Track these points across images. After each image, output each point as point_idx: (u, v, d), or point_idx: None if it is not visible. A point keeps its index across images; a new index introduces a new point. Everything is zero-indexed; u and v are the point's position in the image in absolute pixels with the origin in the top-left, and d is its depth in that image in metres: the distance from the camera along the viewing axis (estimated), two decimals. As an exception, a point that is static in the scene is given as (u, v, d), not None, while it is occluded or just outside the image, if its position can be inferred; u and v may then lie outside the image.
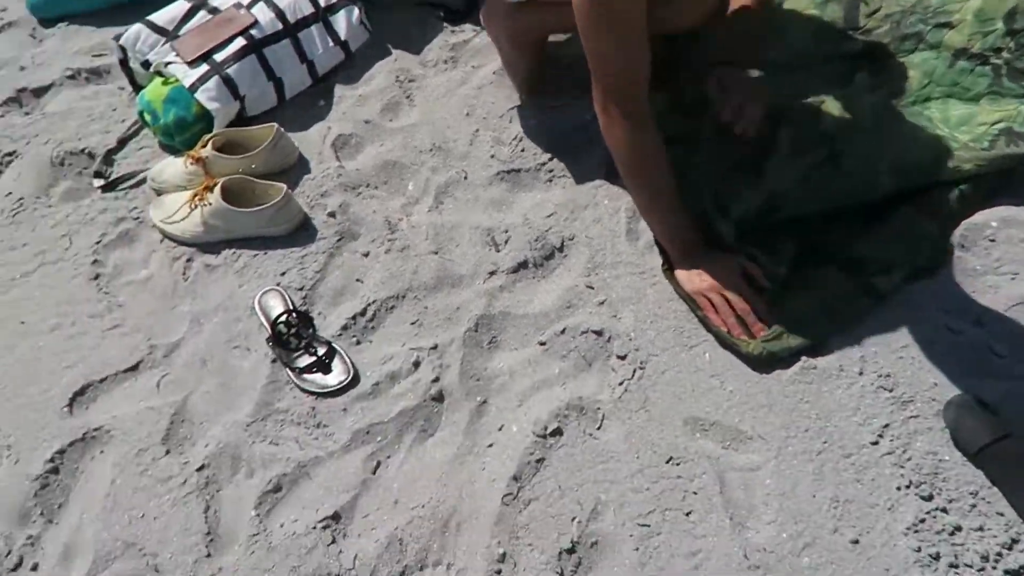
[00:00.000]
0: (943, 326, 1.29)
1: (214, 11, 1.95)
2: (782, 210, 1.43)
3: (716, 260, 1.37)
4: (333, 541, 1.21)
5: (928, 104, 1.53)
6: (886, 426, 1.20)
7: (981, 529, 1.09)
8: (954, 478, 1.13)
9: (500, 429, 1.31)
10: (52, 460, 1.35)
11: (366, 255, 1.59)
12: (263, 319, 1.49)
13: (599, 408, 1.30)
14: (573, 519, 1.19)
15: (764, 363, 1.29)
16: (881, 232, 1.40)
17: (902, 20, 1.64)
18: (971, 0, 1.58)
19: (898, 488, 1.14)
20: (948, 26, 1.58)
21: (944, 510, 1.11)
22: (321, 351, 1.41)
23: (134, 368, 1.47)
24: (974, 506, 1.11)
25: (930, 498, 1.12)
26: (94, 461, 1.36)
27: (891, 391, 1.23)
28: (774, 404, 1.26)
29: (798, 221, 1.43)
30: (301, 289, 1.54)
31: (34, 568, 1.25)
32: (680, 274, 1.40)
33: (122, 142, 1.91)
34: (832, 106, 1.55)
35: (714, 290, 1.34)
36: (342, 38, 1.99)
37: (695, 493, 1.19)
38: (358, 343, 1.46)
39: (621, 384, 1.33)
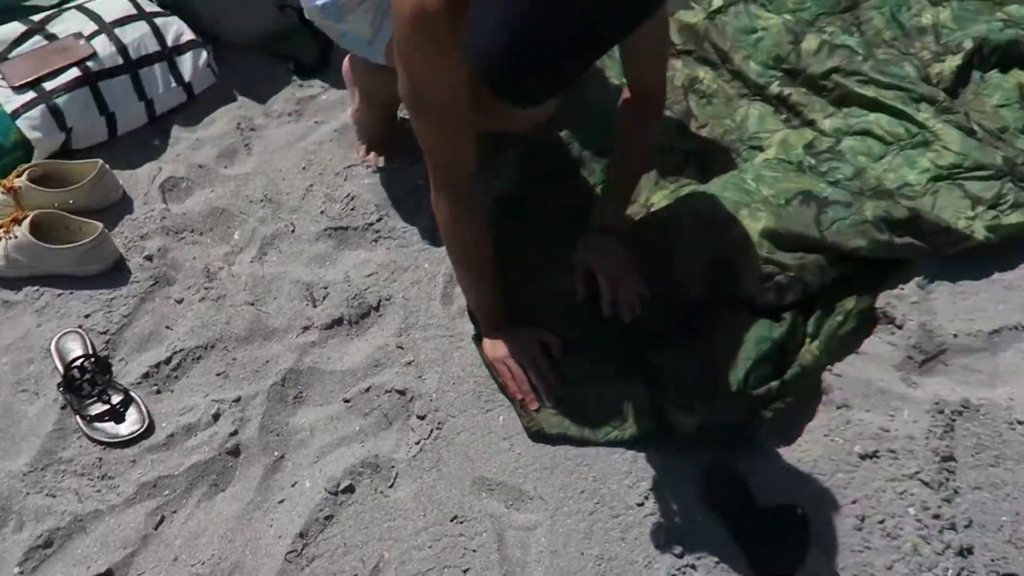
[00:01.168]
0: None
1: (51, 37, 1.90)
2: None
3: (519, 332, 1.46)
4: (104, 598, 1.19)
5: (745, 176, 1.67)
6: (652, 489, 1.30)
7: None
8: (705, 537, 1.25)
9: (293, 485, 1.33)
10: None
11: (179, 302, 1.58)
12: (58, 362, 1.44)
13: (394, 466, 1.35)
14: (354, 576, 1.22)
15: (535, 437, 1.38)
16: (693, 357, 1.43)
17: (723, 136, 1.83)
18: (778, 133, 1.80)
19: (656, 546, 1.24)
20: (759, 148, 1.79)
21: (693, 566, 1.22)
22: (116, 399, 1.39)
23: (-92, 408, 1.39)
24: (718, 562, 1.22)
25: (682, 555, 1.23)
26: None
27: (659, 458, 1.34)
28: (557, 466, 1.35)
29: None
30: (105, 333, 1.51)
31: None
32: (486, 342, 1.47)
33: (-71, 164, 1.81)
34: (657, 201, 1.67)
35: (511, 358, 1.42)
36: (186, 79, 1.99)
37: (475, 551, 1.25)
38: (158, 392, 1.44)
39: (418, 443, 1.38)
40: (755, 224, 1.55)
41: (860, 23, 2.18)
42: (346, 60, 1.79)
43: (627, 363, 1.44)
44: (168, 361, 1.47)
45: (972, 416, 1.41)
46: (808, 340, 1.50)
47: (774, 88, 1.89)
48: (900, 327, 1.54)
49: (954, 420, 1.41)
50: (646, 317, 1.45)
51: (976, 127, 1.79)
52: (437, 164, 1.30)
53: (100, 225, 1.60)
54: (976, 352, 1.52)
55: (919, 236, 1.60)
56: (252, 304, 1.58)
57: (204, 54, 2.01)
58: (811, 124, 1.82)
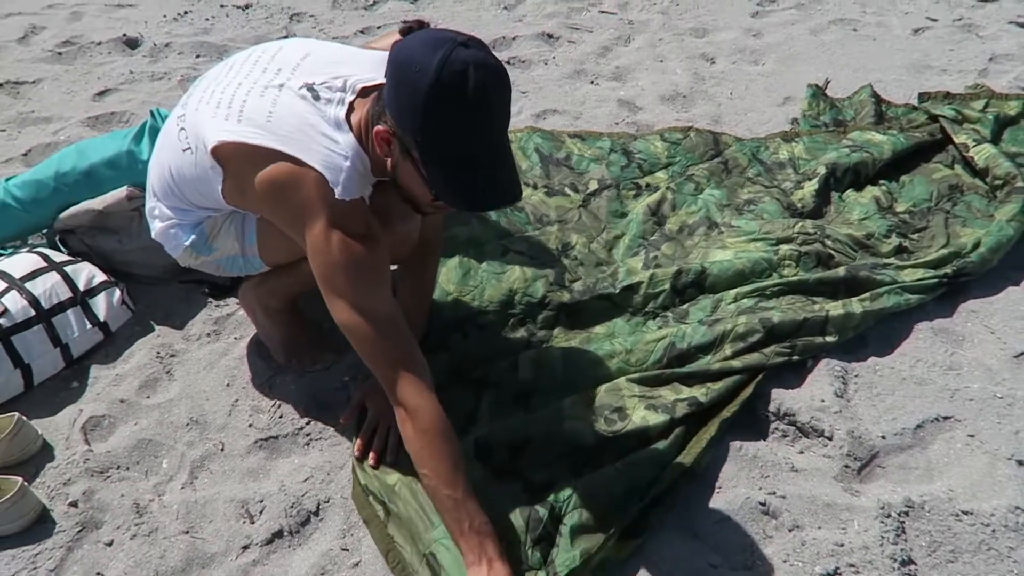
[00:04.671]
0: (665, 541, 1.42)
1: (-39, 299, 1.91)
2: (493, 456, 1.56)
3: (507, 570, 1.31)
4: None
5: (613, 338, 1.83)
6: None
7: None
8: None
9: None
10: None
11: (109, 544, 1.51)
12: (-22, 636, 1.34)
13: None
14: None
15: None
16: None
17: (597, 284, 1.97)
18: (647, 271, 1.98)
19: None
20: (631, 289, 1.95)
21: None
22: (44, 664, 1.28)
23: None
24: None
25: None
26: None
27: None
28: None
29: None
30: (31, 593, 1.42)
31: None
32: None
33: None
34: (525, 359, 1.77)
35: None
36: (101, 319, 2.00)
37: None
38: (92, 648, 1.34)
39: (375, 651, 1.31)
40: (620, 379, 1.70)
41: (727, 163, 2.43)
42: (239, 291, 1.88)
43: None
44: (100, 611, 1.38)
45: (919, 514, 1.44)
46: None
47: (642, 254, 2.12)
48: (830, 438, 1.60)
49: (903, 522, 1.43)
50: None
51: (832, 252, 2.02)
52: (386, 357, 1.38)
53: (19, 480, 1.54)
54: (907, 450, 1.58)
55: (783, 342, 1.75)
56: (187, 532, 1.52)
57: (117, 292, 2.05)
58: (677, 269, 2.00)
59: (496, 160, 1.27)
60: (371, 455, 1.57)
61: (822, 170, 2.32)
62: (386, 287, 1.40)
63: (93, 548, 1.50)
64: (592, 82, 3.01)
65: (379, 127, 1.28)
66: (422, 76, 1.17)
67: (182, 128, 1.50)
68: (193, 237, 1.60)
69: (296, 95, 1.39)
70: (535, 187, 2.37)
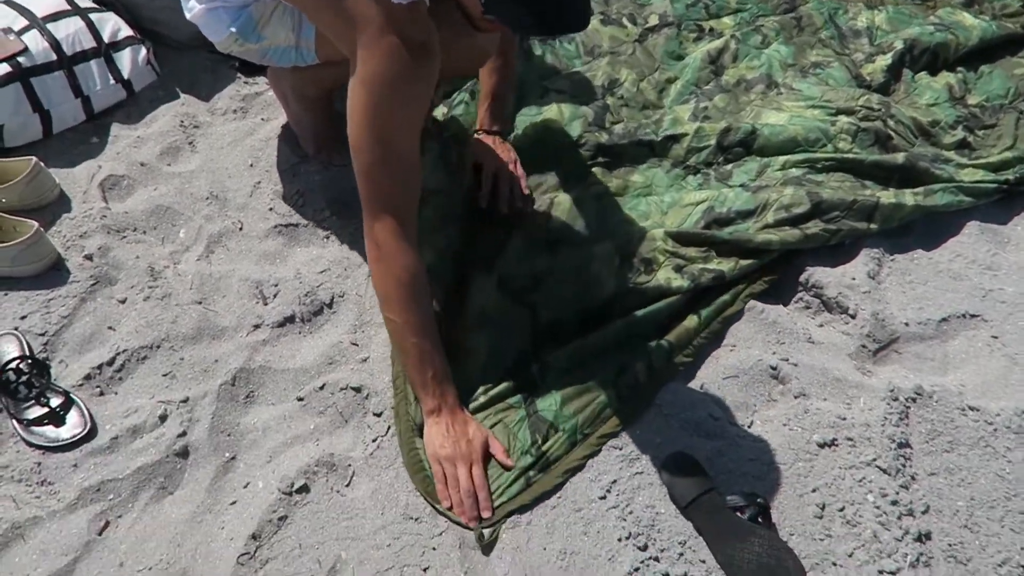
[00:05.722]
0: (670, 388, 1.43)
1: (-22, 33, 1.82)
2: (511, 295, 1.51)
3: (467, 426, 1.31)
4: (43, 609, 1.12)
5: (649, 196, 1.76)
6: (614, 482, 1.29)
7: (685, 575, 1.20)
8: (667, 529, 1.24)
9: (245, 486, 1.27)
10: None
11: (122, 302, 1.51)
12: (-9, 365, 1.37)
13: (350, 465, 1.31)
14: (311, 578, 1.17)
15: (484, 548, 1.25)
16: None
17: (638, 129, 1.87)
18: (694, 123, 1.87)
19: (619, 539, 1.22)
20: (674, 139, 1.85)
21: (656, 559, 1.21)
22: (55, 402, 1.32)
23: None
24: (681, 555, 1.21)
25: (645, 548, 1.21)
26: None
27: (620, 449, 1.33)
28: (520, 462, 1.32)
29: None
30: (43, 335, 1.44)
31: None
32: (427, 433, 1.31)
33: None
34: (562, 202, 1.69)
35: (451, 461, 1.27)
36: (125, 76, 1.92)
37: (435, 549, 1.22)
38: (101, 394, 1.37)
39: (375, 441, 1.34)
40: (657, 230, 1.64)
41: (800, 19, 2.26)
42: (268, 71, 1.76)
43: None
44: (111, 362, 1.40)
45: (926, 403, 1.44)
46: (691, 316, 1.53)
47: (692, 102, 1.99)
48: (853, 316, 1.57)
49: (908, 407, 1.43)
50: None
51: (892, 134, 1.89)
52: (381, 192, 1.26)
53: (35, 224, 1.53)
54: (927, 340, 1.56)
55: (829, 219, 1.67)
56: (200, 303, 1.52)
57: (143, 51, 1.95)
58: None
59: None
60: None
61: (899, 45, 2.15)
62: (419, 117, 1.28)
63: (106, 303, 1.51)
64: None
65: None
66: None
67: None
68: (239, 22, 1.46)
69: None
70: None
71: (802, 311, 1.60)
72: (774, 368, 1.47)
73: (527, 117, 1.88)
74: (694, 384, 1.44)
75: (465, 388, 1.36)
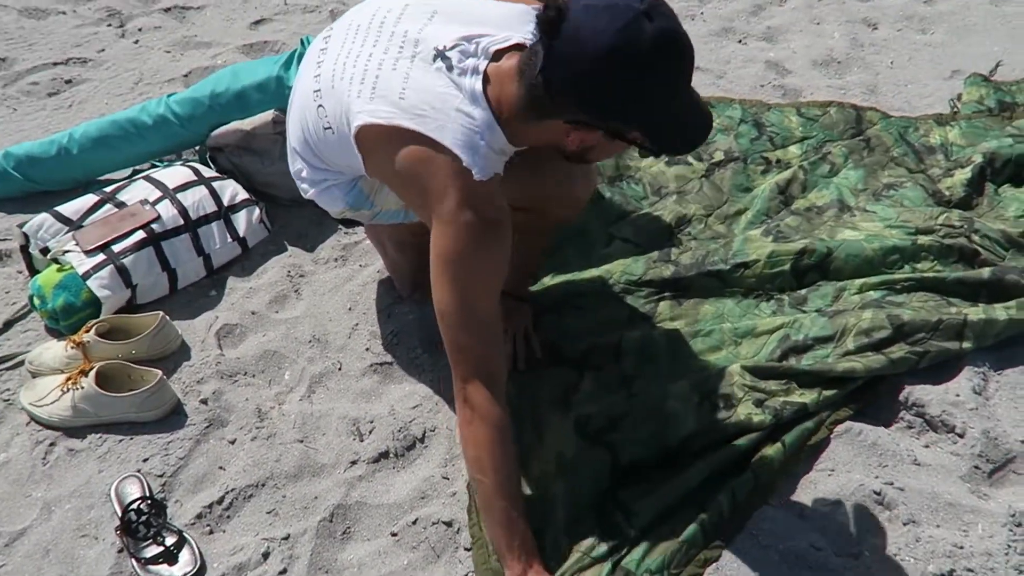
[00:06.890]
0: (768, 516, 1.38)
1: (120, 205, 2.07)
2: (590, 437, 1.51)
3: None
4: None
5: (722, 325, 1.74)
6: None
7: None
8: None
9: (342, 624, 1.30)
10: None
11: (232, 442, 1.62)
12: (116, 506, 1.47)
13: (443, 601, 1.31)
14: None
15: None
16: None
17: (706, 258, 1.86)
18: (766, 247, 1.85)
19: None
20: (744, 266, 1.83)
21: None
22: (170, 541, 1.40)
23: (-30, 558, 1.42)
24: None
25: None
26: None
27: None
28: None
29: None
30: (162, 475, 1.55)
31: None
32: None
33: (7, 324, 1.94)
34: (631, 339, 1.69)
35: None
36: (240, 235, 2.12)
37: None
38: (211, 532, 1.45)
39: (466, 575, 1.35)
40: (735, 362, 1.61)
41: (869, 140, 2.23)
42: (366, 223, 1.90)
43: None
44: (220, 501, 1.49)
45: (1052, 527, 1.33)
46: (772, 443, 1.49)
47: (763, 227, 1.98)
48: (961, 435, 1.50)
49: (1033, 533, 1.33)
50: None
51: (979, 249, 1.82)
52: (469, 357, 1.32)
53: (159, 372, 1.68)
54: (1047, 458, 1.46)
55: (914, 341, 1.61)
56: (301, 441, 1.61)
57: (257, 210, 2.16)
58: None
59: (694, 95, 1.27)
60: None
61: (978, 158, 2.08)
62: (498, 283, 1.34)
63: (218, 444, 1.62)
64: (740, 41, 2.88)
65: (571, 127, 1.24)
66: (628, 65, 1.16)
67: (320, 105, 1.43)
68: (352, 197, 1.57)
69: (428, 67, 1.30)
70: (656, 155, 2.21)
71: (904, 431, 1.54)
72: (878, 493, 1.41)
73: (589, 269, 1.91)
74: (791, 511, 1.39)
75: (550, 539, 1.36)
